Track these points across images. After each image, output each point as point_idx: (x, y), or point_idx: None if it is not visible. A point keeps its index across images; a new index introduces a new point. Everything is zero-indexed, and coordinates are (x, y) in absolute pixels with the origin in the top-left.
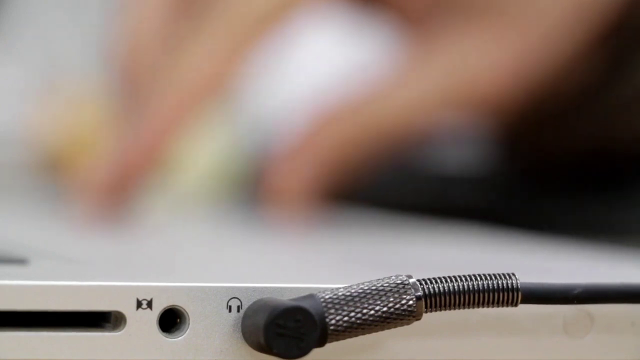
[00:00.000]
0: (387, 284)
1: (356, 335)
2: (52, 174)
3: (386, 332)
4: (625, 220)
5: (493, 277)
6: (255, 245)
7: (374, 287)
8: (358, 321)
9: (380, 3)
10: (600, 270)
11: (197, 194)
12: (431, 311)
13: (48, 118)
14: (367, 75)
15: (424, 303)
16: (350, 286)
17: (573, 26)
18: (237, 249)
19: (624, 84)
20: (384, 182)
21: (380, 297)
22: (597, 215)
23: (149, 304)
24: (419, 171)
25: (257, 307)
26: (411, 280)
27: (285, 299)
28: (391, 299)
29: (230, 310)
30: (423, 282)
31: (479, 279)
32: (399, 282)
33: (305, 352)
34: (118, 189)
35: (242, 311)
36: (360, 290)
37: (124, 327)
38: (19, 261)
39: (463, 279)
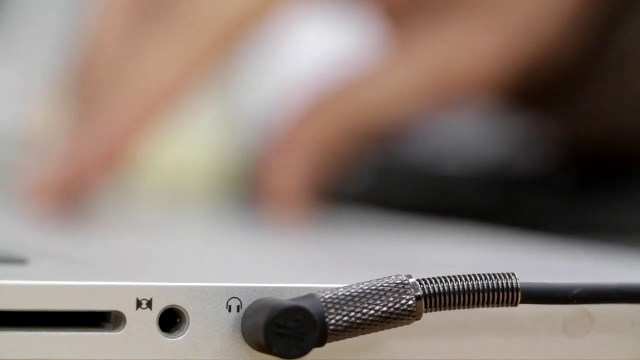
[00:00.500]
0: (387, 284)
1: (356, 335)
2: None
3: (386, 332)
4: (625, 220)
5: (493, 277)
6: (255, 245)
7: (374, 287)
8: (358, 321)
9: None
10: (600, 270)
11: (197, 194)
12: (431, 311)
13: (44, 117)
14: (352, 67)
15: (424, 303)
16: (350, 286)
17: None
18: (237, 249)
19: (616, 45)
20: (384, 181)
21: (380, 297)
22: (597, 215)
23: (149, 304)
24: (419, 171)
25: (257, 307)
26: (411, 280)
27: (285, 299)
28: (391, 299)
29: (230, 310)
30: (423, 282)
31: (478, 279)
32: (399, 282)
33: (305, 352)
34: (67, 190)
35: (242, 311)
36: (360, 290)
37: (124, 327)
38: (19, 261)
39: (463, 279)
